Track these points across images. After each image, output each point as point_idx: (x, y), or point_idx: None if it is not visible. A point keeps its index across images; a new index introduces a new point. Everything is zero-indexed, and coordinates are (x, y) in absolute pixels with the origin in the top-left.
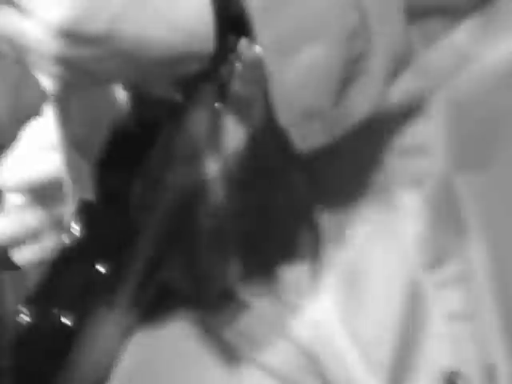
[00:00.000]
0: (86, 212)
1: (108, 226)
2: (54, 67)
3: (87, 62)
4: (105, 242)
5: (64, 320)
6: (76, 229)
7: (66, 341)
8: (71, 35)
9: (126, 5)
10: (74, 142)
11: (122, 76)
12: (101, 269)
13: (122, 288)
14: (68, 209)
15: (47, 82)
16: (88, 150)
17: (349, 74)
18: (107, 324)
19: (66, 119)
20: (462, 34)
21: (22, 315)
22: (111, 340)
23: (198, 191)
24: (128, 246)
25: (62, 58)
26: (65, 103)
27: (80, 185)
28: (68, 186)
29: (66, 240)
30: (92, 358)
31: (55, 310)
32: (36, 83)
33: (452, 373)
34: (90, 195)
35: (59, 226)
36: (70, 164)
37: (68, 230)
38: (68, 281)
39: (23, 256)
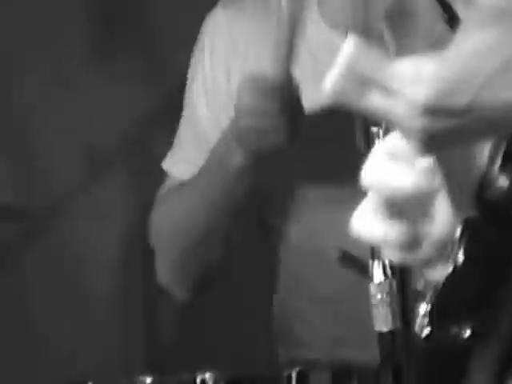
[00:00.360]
0: (470, 229)
1: (491, 240)
2: (417, 136)
3: (448, 131)
4: (489, 254)
5: (461, 333)
6: (461, 247)
7: (464, 354)
8: (435, 112)
9: (489, 76)
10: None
11: (481, 137)
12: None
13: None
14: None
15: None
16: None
17: None
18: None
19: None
20: None
21: (425, 329)
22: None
23: None
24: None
25: (425, 130)
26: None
27: (461, 204)
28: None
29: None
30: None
31: (451, 325)
32: None
33: None
34: (471, 212)
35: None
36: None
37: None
38: (462, 295)
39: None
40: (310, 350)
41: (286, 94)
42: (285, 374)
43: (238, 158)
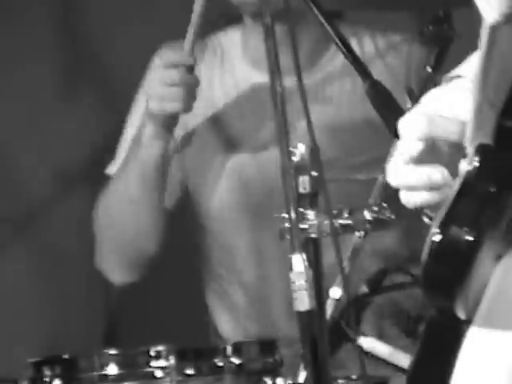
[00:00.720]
0: (483, 151)
1: (499, 160)
2: None
3: None
4: (496, 172)
5: (465, 236)
6: (474, 164)
7: (467, 255)
8: None
9: None
10: (486, 92)
11: None
12: (492, 191)
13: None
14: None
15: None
16: (497, 101)
17: None
18: (491, 245)
19: (487, 70)
20: None
21: (435, 234)
22: (490, 261)
23: None
24: None
25: None
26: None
27: (483, 131)
28: (471, 131)
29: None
30: (478, 274)
31: (458, 229)
32: None
33: None
34: (489, 140)
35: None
36: (479, 111)
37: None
38: (467, 204)
39: (415, 200)
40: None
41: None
42: (221, 347)
43: (148, 128)
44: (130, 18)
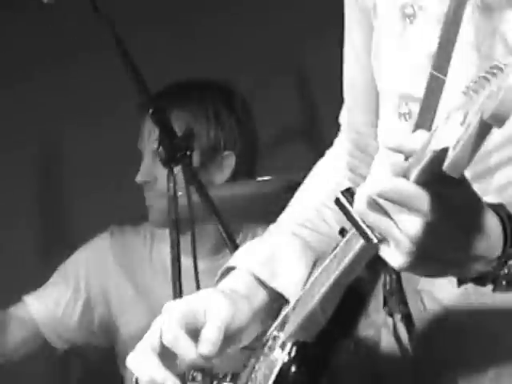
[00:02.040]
0: (302, 348)
1: (316, 361)
2: None
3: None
4: (308, 364)
5: None
6: (291, 354)
7: None
8: None
9: None
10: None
11: None
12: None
13: None
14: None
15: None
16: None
17: None
18: None
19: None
20: None
21: None
22: None
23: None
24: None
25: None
26: None
27: (308, 333)
28: (295, 327)
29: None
30: None
31: None
32: None
33: None
34: (310, 339)
35: None
36: (311, 315)
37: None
38: None
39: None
40: None
41: None
42: None
43: None
44: None
